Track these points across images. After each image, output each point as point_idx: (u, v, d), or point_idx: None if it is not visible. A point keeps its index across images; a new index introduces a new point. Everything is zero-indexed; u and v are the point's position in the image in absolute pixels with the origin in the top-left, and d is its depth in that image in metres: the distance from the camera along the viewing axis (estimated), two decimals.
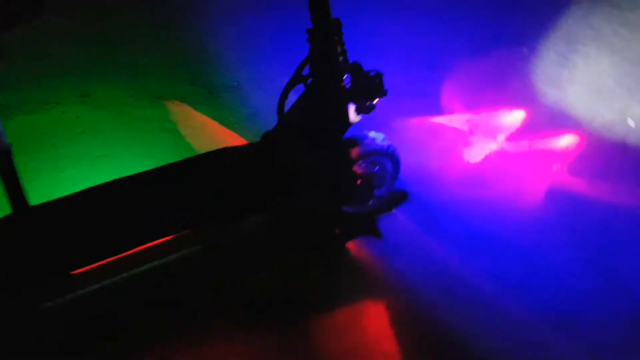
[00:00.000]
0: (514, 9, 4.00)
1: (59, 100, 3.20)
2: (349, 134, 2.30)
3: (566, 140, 2.98)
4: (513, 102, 3.23)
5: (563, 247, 2.48)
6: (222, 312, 2.24)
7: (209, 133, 2.98)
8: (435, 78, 3.43)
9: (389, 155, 2.37)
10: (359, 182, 2.31)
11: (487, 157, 2.90)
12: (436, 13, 4.00)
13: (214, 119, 3.04)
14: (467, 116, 3.17)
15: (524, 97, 3.28)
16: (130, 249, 1.86)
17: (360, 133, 2.34)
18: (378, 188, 2.43)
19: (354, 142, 2.29)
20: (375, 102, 2.12)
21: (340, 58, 1.96)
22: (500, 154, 2.91)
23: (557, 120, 3.11)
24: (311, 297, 2.27)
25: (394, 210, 2.59)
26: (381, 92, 2.07)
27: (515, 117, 3.15)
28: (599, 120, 3.06)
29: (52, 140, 2.91)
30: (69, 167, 2.74)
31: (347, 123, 2.10)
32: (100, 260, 1.84)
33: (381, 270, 2.39)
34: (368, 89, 2.04)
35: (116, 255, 1.87)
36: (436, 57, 3.61)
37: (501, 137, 3.01)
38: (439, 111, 3.19)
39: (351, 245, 2.46)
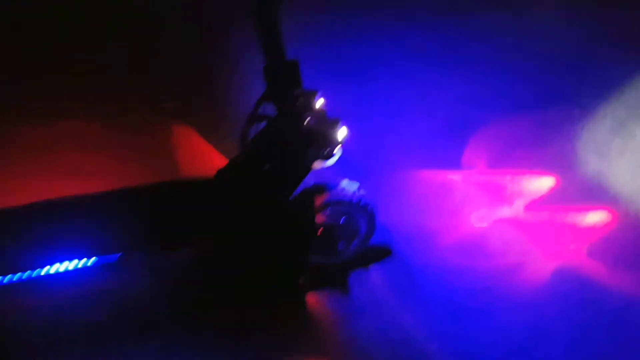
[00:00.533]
0: (574, 65, 3.65)
1: (65, 111, 3.31)
2: (319, 179, 2.16)
3: (595, 217, 2.61)
4: (545, 167, 2.90)
5: (562, 340, 2.14)
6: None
7: (206, 161, 2.96)
8: (465, 132, 3.18)
9: (360, 208, 2.17)
10: (320, 231, 2.14)
11: (496, 224, 2.60)
12: (483, 63, 3.75)
13: (218, 148, 3.01)
14: (487, 176, 2.89)
15: (560, 162, 2.93)
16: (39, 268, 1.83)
17: (331, 180, 2.18)
18: (346, 241, 2.24)
19: (321, 188, 2.13)
20: (335, 150, 1.97)
21: (298, 100, 1.85)
22: (512, 222, 2.60)
23: (591, 193, 2.73)
24: (255, 346, 2.11)
25: (370, 268, 2.38)
26: (333, 141, 1.93)
27: (542, 183, 2.82)
28: None
29: (52, 151, 3.02)
30: (59, 179, 2.83)
31: (303, 168, 1.96)
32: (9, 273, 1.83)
33: (338, 330, 2.18)
34: (322, 135, 1.90)
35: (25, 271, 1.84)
36: (472, 110, 3.37)
37: (519, 204, 2.70)
38: (457, 166, 2.93)
39: (313, 297, 2.28)
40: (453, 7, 4.11)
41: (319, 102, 1.97)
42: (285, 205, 2.03)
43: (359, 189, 2.20)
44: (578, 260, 2.40)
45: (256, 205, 1.98)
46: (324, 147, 1.94)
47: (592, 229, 2.55)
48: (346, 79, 3.61)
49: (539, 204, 2.69)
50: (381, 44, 3.97)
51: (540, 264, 2.40)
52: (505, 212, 2.66)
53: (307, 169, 1.96)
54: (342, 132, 1.96)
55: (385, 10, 4.24)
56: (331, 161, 2.01)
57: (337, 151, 2.00)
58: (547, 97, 3.46)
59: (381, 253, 2.41)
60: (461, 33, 3.95)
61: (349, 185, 2.18)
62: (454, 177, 2.87)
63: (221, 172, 1.99)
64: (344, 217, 2.18)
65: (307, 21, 4.12)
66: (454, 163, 2.95)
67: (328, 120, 1.94)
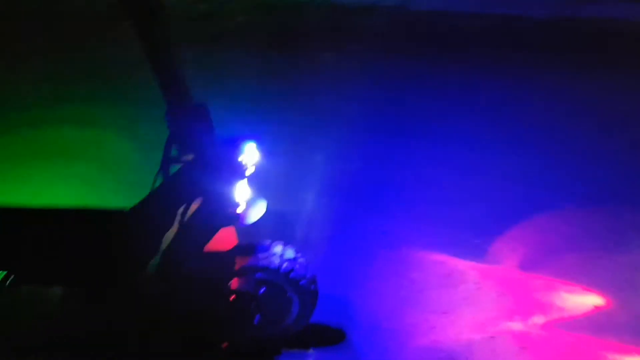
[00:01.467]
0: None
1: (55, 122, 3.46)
2: (250, 240, 1.79)
3: None
4: (597, 281, 2.21)
5: None
6: None
7: None
8: (505, 215, 2.60)
9: (289, 280, 1.72)
10: (232, 298, 1.73)
11: (495, 338, 1.98)
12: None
13: None
14: (515, 275, 2.27)
15: (621, 279, 2.23)
16: None
17: (263, 243, 1.78)
18: (268, 316, 1.80)
19: (246, 250, 1.75)
20: (241, 208, 1.61)
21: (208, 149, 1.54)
22: (519, 340, 1.96)
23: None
24: None
25: (310, 352, 1.92)
26: (234, 200, 1.60)
27: (584, 300, 2.14)
28: None
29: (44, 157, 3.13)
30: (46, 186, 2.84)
31: (214, 223, 1.62)
32: None
33: None
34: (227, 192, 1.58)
35: None
36: (524, 189, 2.77)
37: (538, 319, 2.05)
38: (480, 256, 2.35)
39: None
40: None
41: (246, 153, 1.63)
42: (196, 259, 1.69)
43: (295, 256, 1.77)
44: None
45: (163, 252, 1.67)
46: (231, 204, 1.59)
47: None
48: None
49: (566, 325, 2.03)
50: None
51: None
52: (515, 325, 2.03)
53: (219, 224, 1.63)
54: (245, 190, 1.62)
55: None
56: (249, 220, 1.64)
57: (251, 209, 1.63)
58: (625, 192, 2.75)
59: (329, 338, 1.95)
60: (507, 111, 3.46)
61: (282, 251, 1.76)
62: (470, 267, 2.30)
63: (134, 210, 1.70)
64: (264, 287, 1.76)
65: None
66: (478, 250, 2.38)
67: (239, 175, 1.60)
